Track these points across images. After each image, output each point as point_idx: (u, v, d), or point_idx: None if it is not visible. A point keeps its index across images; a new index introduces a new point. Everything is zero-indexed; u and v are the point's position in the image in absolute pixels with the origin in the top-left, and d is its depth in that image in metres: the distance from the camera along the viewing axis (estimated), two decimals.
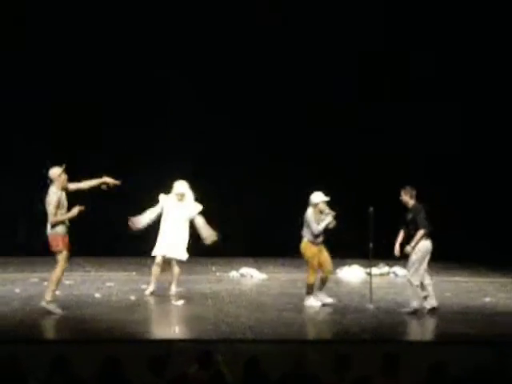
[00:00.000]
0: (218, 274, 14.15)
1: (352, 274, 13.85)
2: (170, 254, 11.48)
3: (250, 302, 11.21)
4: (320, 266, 10.82)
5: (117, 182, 10.39)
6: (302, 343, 8.89)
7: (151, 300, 11.35)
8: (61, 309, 10.11)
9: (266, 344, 8.67)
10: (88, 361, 5.96)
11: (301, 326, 9.74)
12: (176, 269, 11.53)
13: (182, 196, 11.47)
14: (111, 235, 15.75)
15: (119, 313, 10.19)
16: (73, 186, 10.25)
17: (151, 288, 11.59)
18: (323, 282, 10.98)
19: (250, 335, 9.04)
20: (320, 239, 10.84)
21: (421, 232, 10.40)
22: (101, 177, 10.37)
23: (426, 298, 10.52)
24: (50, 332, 9.48)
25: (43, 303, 10.08)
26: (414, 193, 10.61)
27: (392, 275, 14.25)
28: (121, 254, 15.41)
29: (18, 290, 11.92)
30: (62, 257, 10.10)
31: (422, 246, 10.45)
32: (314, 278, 10.83)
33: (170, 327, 9.77)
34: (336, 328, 9.94)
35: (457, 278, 13.99)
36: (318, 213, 10.75)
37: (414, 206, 10.57)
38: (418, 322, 10.17)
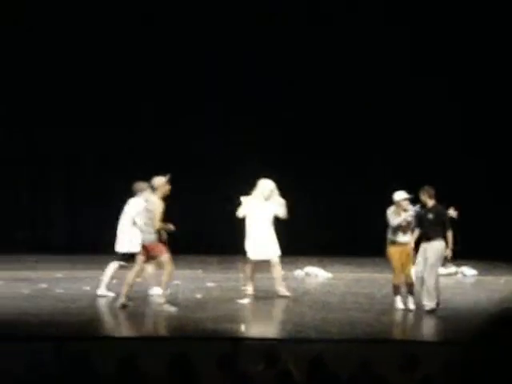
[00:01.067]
0: (283, 272, 14.15)
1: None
2: (265, 257, 11.27)
3: (314, 301, 11.18)
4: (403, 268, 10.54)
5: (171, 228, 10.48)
6: (367, 343, 8.84)
7: (217, 298, 11.41)
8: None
9: (332, 343, 8.65)
10: (157, 358, 6.03)
11: (367, 326, 9.69)
12: (277, 269, 11.29)
13: (270, 193, 11.21)
14: (176, 232, 15.93)
15: (186, 311, 10.28)
16: None
17: (250, 289, 11.37)
18: (406, 285, 10.59)
19: (316, 334, 9.03)
20: (401, 238, 10.54)
21: (451, 233, 10.31)
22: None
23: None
24: (118, 329, 9.61)
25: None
26: (432, 192, 10.49)
27: (460, 275, 14.05)
28: (186, 251, 15.56)
29: (87, 288, 12.15)
30: (164, 259, 10.36)
31: (443, 248, 10.32)
32: (397, 278, 10.56)
33: (237, 325, 9.81)
34: (400, 328, 9.84)
35: None
36: (402, 211, 10.61)
37: (436, 206, 10.45)
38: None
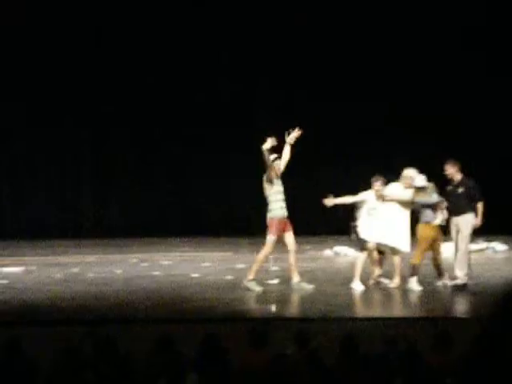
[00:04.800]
0: (310, 252, 14.16)
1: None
2: (390, 243, 10.62)
3: (346, 280, 11.16)
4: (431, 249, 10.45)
5: (296, 134, 10.40)
6: (398, 321, 8.82)
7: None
8: (260, 287, 10.43)
9: (364, 322, 8.65)
10: (188, 340, 6.09)
11: (398, 304, 9.67)
12: (397, 259, 10.64)
13: (410, 181, 10.46)
14: (207, 215, 16.04)
15: (216, 292, 10.34)
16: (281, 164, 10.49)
17: (377, 272, 10.81)
18: (437, 265, 10.51)
19: (348, 314, 9.04)
20: (435, 219, 10.36)
21: (481, 205, 10.16)
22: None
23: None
24: (150, 312, 9.69)
25: (244, 281, 10.47)
26: (459, 165, 10.30)
27: (490, 251, 13.96)
28: (216, 233, 15.65)
29: (119, 271, 12.26)
30: (268, 240, 10.39)
31: (473, 221, 10.21)
32: (418, 259, 10.38)
33: (268, 306, 9.84)
34: (430, 305, 9.83)
35: None
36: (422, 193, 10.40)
37: (464, 179, 10.30)
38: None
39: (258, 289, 10.35)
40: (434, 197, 10.38)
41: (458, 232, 10.32)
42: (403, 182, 10.56)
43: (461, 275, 10.28)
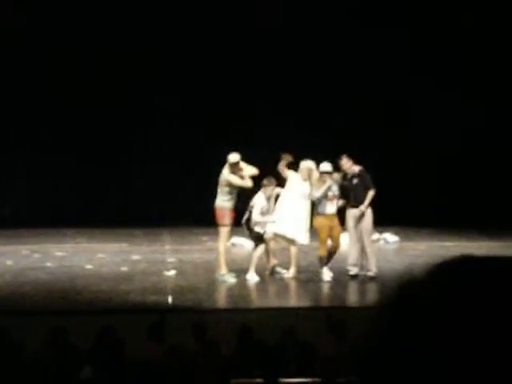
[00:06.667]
0: (208, 243, 14.16)
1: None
2: (287, 234, 10.68)
3: (242, 272, 11.22)
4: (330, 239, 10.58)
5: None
6: (295, 311, 8.93)
7: (143, 271, 11.36)
8: (234, 277, 10.45)
9: (259, 312, 8.72)
10: (85, 331, 5.98)
11: (294, 295, 9.78)
12: (293, 249, 10.75)
13: (310, 172, 10.59)
14: (101, 206, 15.79)
15: (111, 284, 10.20)
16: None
17: (273, 263, 10.84)
18: (332, 254, 10.61)
19: (243, 304, 9.08)
20: (329, 209, 10.55)
21: (372, 193, 10.45)
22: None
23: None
24: (43, 303, 9.48)
25: (218, 277, 10.43)
26: (354, 160, 10.64)
27: (382, 242, 14.27)
28: (111, 225, 15.41)
29: (9, 263, 11.93)
30: (223, 230, 10.36)
31: (370, 211, 10.50)
32: (324, 250, 10.52)
33: (164, 297, 9.79)
34: (326, 295, 9.99)
35: (447, 244, 14.06)
36: (323, 182, 10.57)
37: (360, 170, 10.62)
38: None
39: (232, 280, 10.33)
40: (333, 188, 10.57)
41: (356, 223, 10.50)
42: (301, 174, 10.71)
43: (374, 269, 10.49)
